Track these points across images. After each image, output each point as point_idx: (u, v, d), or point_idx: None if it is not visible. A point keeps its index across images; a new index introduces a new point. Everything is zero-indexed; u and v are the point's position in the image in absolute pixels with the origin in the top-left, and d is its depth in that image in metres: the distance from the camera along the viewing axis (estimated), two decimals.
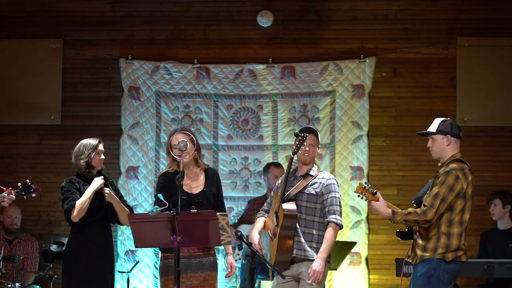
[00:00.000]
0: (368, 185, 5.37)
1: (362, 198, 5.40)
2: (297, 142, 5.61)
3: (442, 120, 5.42)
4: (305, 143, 5.70)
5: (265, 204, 5.97)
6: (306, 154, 5.72)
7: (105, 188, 5.94)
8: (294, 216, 5.62)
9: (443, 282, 5.24)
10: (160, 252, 5.78)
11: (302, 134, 5.58)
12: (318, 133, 5.85)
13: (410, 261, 5.41)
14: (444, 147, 5.38)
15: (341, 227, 5.64)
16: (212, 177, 5.77)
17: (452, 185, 5.23)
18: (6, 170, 8.41)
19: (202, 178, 5.73)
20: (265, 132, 8.44)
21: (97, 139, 6.05)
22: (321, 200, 5.64)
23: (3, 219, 7.94)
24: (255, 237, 5.69)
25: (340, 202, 5.68)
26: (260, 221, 5.84)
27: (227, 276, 5.87)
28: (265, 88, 8.45)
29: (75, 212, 5.80)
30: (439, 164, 5.47)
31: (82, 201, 5.82)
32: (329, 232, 5.57)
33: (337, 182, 5.76)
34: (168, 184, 5.63)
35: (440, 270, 5.23)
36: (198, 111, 8.49)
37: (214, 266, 5.67)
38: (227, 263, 5.80)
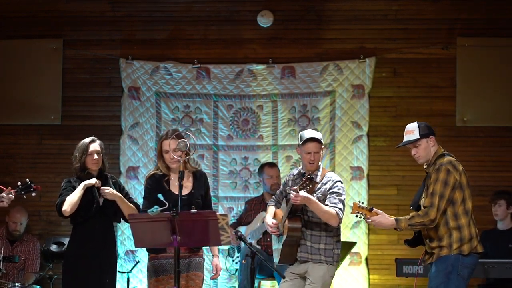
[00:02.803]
0: (362, 203, 5.38)
1: (360, 217, 5.40)
2: (302, 182, 5.51)
3: (418, 125, 5.46)
4: (310, 152, 5.71)
5: (277, 193, 6.08)
6: (311, 163, 5.74)
7: (104, 188, 5.91)
8: (298, 230, 5.69)
9: (462, 277, 5.24)
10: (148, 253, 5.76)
11: (308, 176, 5.50)
12: (321, 138, 5.81)
13: (428, 262, 5.40)
14: (430, 149, 5.44)
15: (339, 218, 5.60)
16: (200, 179, 5.75)
17: (445, 180, 5.25)
18: (6, 170, 8.41)
19: (190, 180, 5.72)
20: (265, 132, 8.44)
21: (90, 138, 6.01)
22: (325, 201, 5.67)
23: (8, 221, 7.94)
24: (269, 221, 5.87)
25: (341, 199, 5.68)
26: (271, 209, 6.00)
27: (212, 278, 5.89)
28: (265, 88, 8.45)
29: (65, 206, 5.80)
30: (424, 166, 5.49)
31: (72, 196, 5.81)
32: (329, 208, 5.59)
33: (341, 182, 5.77)
34: (157, 186, 5.63)
35: (458, 265, 5.23)
36: (198, 111, 8.49)
37: (200, 266, 5.67)
38: (212, 265, 5.79)
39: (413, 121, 6.08)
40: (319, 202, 5.56)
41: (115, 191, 5.93)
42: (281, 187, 6.07)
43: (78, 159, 5.93)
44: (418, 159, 5.48)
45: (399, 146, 5.61)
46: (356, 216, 5.40)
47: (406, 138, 5.50)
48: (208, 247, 6.02)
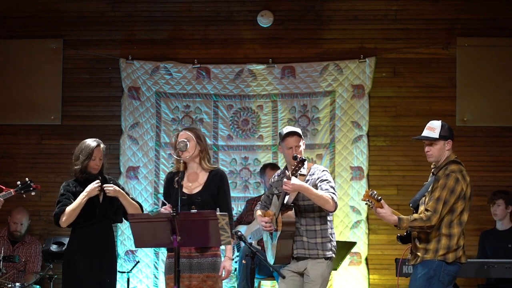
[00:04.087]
0: (373, 192, 5.39)
1: (369, 205, 5.41)
2: (294, 166, 5.50)
3: (442, 125, 5.42)
4: (291, 147, 5.70)
5: (263, 197, 6.03)
6: None
7: (107, 185, 5.88)
8: (293, 223, 5.65)
9: (443, 283, 5.26)
10: (160, 252, 5.77)
11: (300, 158, 5.48)
12: (299, 132, 5.78)
13: (411, 263, 5.42)
14: (444, 152, 5.41)
15: (335, 201, 5.59)
16: (214, 178, 5.66)
17: (453, 188, 5.25)
18: (6, 170, 8.41)
19: (203, 179, 5.69)
20: (265, 132, 8.44)
21: (96, 141, 5.95)
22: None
23: (9, 222, 7.94)
24: (261, 218, 5.78)
25: (332, 185, 5.67)
26: (259, 212, 5.94)
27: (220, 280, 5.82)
28: (265, 88, 8.45)
29: (64, 218, 5.78)
30: (432, 166, 5.49)
31: (72, 208, 5.78)
32: (323, 192, 5.57)
33: (327, 171, 5.80)
34: (168, 185, 5.66)
35: (441, 271, 5.25)
36: (198, 111, 8.49)
37: (214, 267, 5.62)
38: (220, 266, 5.70)
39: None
40: (312, 188, 5.56)
41: (117, 188, 5.91)
42: (267, 190, 6.04)
43: (81, 161, 5.88)
44: (428, 157, 5.46)
45: (415, 139, 5.57)
46: (366, 204, 5.40)
47: (425, 133, 5.46)
48: (222, 248, 5.93)
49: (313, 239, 5.67)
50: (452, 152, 5.45)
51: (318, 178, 5.71)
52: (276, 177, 5.95)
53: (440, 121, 5.47)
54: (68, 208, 5.78)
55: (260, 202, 6.05)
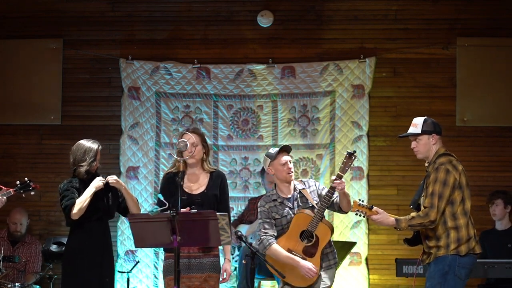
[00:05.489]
0: (362, 201, 5.39)
1: (360, 215, 5.41)
2: (347, 161, 5.53)
3: (424, 120, 5.45)
4: (285, 162, 5.72)
5: (264, 226, 5.80)
6: (291, 173, 5.74)
7: (110, 177, 5.90)
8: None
9: (459, 277, 5.24)
10: (160, 252, 5.78)
11: (352, 152, 5.53)
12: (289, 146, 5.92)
13: (425, 263, 5.41)
14: (430, 146, 5.44)
15: None
16: (216, 179, 5.75)
17: (444, 180, 5.25)
18: (6, 170, 8.41)
19: (205, 179, 5.72)
20: (265, 132, 8.44)
21: (96, 142, 5.97)
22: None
23: (9, 222, 7.94)
24: (307, 264, 5.63)
25: None
26: (279, 248, 5.71)
27: (221, 282, 5.83)
28: (265, 88, 8.45)
29: (75, 210, 5.76)
30: (425, 164, 5.51)
31: (82, 200, 5.79)
32: None
33: (313, 180, 5.97)
34: (169, 185, 5.65)
35: (455, 266, 5.23)
36: (198, 111, 8.49)
37: (215, 267, 5.64)
38: (222, 269, 5.74)
39: None
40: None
41: (120, 181, 5.95)
42: (264, 219, 5.79)
43: (88, 163, 5.88)
44: (416, 154, 5.51)
45: (400, 136, 5.61)
46: (356, 214, 5.40)
47: (410, 130, 5.50)
48: (221, 248, 5.95)
49: (326, 249, 5.73)
50: (442, 146, 5.46)
51: (319, 187, 5.77)
52: (271, 203, 5.82)
53: (424, 117, 5.49)
54: (78, 200, 5.79)
55: (265, 233, 5.75)
